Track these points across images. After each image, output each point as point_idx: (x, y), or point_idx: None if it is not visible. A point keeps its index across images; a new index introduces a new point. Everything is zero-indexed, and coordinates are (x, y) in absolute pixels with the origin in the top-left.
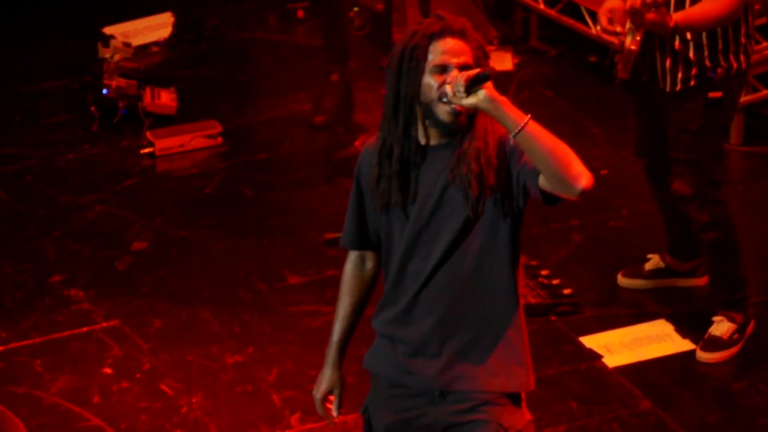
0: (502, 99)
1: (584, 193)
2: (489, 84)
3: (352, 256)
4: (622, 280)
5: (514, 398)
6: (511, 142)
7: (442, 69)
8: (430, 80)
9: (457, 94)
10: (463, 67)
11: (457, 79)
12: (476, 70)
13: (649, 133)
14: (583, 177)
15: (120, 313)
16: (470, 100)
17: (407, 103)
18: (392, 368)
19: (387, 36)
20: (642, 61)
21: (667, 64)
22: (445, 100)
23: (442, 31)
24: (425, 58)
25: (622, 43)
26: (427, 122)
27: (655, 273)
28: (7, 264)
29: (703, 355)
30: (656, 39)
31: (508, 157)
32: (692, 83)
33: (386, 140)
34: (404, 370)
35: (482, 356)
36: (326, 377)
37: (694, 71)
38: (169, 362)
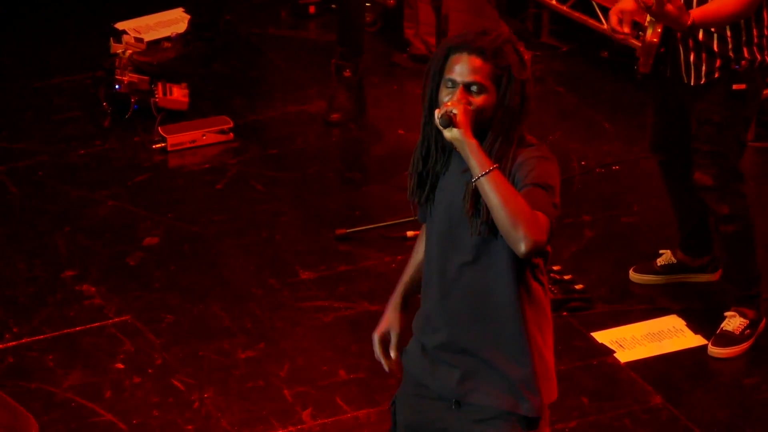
0: (471, 142)
1: (529, 255)
2: (464, 122)
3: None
4: (633, 276)
5: (528, 419)
6: (473, 184)
7: (452, 83)
8: (442, 91)
9: (438, 123)
10: (469, 85)
11: (441, 108)
12: (454, 110)
13: (669, 129)
14: (524, 241)
15: (132, 308)
16: (446, 133)
17: (429, 108)
18: (419, 368)
19: (398, 32)
20: (664, 55)
21: (691, 57)
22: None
23: (460, 46)
24: (441, 69)
25: (643, 37)
26: None
27: (667, 268)
28: (19, 259)
29: (714, 350)
30: (678, 33)
31: (513, 173)
32: (716, 75)
33: (422, 140)
34: (428, 372)
35: (494, 374)
36: (386, 317)
37: (718, 63)
38: (181, 357)
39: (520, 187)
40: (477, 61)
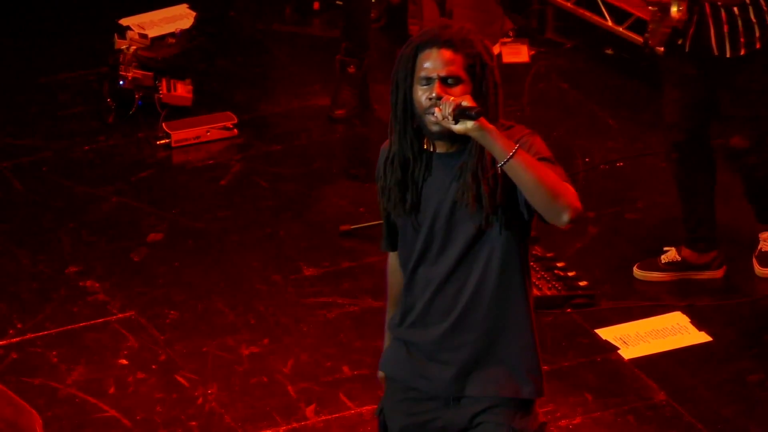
0: (491, 128)
1: (571, 223)
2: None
3: (392, 256)
4: (637, 273)
5: (527, 403)
6: (498, 171)
7: (427, 80)
8: (417, 92)
9: (446, 118)
10: (445, 78)
11: (446, 104)
12: (466, 102)
13: (691, 103)
14: (568, 210)
15: (136, 304)
16: (458, 127)
17: (403, 113)
18: (407, 371)
19: (402, 28)
20: (683, 30)
21: (725, 30)
22: (432, 118)
23: (428, 42)
24: (413, 69)
25: (666, 15)
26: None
27: (671, 266)
28: (23, 255)
29: (764, 271)
30: (707, 7)
31: None
32: (758, 46)
33: (391, 148)
34: (418, 374)
35: (494, 364)
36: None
37: (758, 34)
38: (185, 353)
39: None
40: (448, 54)
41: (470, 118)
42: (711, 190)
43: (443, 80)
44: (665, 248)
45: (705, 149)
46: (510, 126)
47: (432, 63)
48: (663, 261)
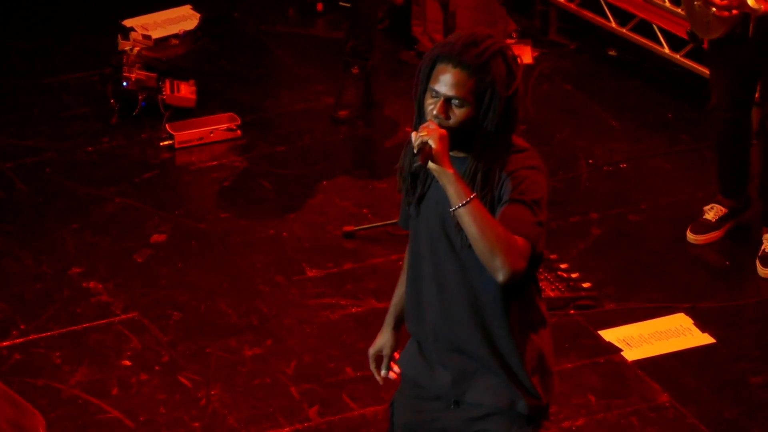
0: (449, 173)
1: (507, 283)
2: (441, 151)
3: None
4: (694, 238)
5: (526, 416)
6: (451, 214)
7: (436, 94)
8: (427, 98)
9: (415, 148)
10: (450, 99)
11: (421, 134)
12: (432, 143)
13: (743, 88)
14: (502, 272)
15: (139, 305)
16: (422, 162)
17: (417, 110)
18: (416, 369)
19: (406, 29)
20: (746, 18)
21: None
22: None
23: (448, 56)
24: (428, 76)
25: (743, 3)
26: None
27: (723, 220)
28: (26, 256)
29: (767, 272)
30: None
31: (502, 181)
32: None
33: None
34: (425, 373)
35: (490, 374)
36: (379, 336)
37: None
38: (188, 354)
39: (506, 200)
40: (461, 76)
41: (419, 157)
42: (749, 158)
43: (448, 100)
44: (706, 208)
45: (749, 126)
46: (522, 149)
47: (443, 79)
48: (714, 219)
